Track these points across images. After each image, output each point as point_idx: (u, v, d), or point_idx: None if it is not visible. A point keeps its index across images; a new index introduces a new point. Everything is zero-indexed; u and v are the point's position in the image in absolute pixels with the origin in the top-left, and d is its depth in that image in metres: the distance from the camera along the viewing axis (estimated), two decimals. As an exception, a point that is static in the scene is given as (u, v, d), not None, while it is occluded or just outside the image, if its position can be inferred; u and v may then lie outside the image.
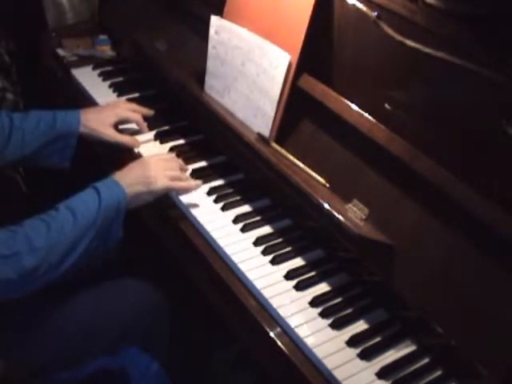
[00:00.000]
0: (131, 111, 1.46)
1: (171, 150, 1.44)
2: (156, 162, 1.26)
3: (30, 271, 1.02)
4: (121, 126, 1.47)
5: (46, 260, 1.04)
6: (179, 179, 1.27)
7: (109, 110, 1.42)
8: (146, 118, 1.49)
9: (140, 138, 1.46)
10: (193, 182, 1.30)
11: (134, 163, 1.27)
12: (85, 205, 1.12)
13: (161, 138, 1.47)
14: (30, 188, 1.64)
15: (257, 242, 1.20)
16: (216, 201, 1.29)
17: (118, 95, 1.63)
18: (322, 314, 1.07)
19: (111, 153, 1.45)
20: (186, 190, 1.28)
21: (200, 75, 1.45)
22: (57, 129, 1.33)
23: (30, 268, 1.02)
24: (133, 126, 1.48)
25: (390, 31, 1.09)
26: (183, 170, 1.33)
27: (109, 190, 1.15)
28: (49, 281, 1.07)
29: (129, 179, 1.20)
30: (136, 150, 1.43)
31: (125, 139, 1.42)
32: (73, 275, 1.12)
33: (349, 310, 1.09)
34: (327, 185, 1.17)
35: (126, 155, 1.41)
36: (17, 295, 1.05)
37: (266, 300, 1.09)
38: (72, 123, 1.36)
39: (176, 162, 1.32)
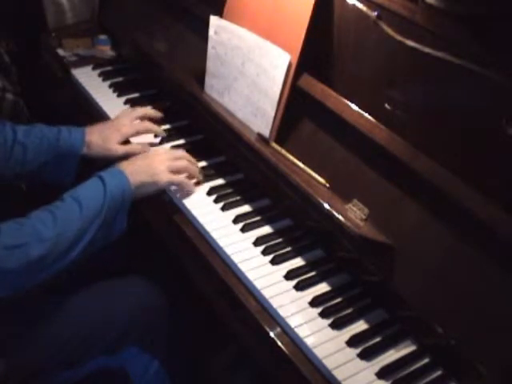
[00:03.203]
0: (138, 121, 1.41)
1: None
2: (161, 155, 1.27)
3: (38, 261, 1.02)
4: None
5: (53, 250, 1.04)
6: (183, 172, 1.28)
7: (114, 130, 1.37)
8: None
9: (139, 139, 1.44)
10: (193, 181, 1.30)
11: (139, 155, 1.29)
12: (90, 194, 1.12)
13: (161, 137, 1.47)
14: (29, 185, 1.64)
15: (257, 242, 1.20)
16: (216, 201, 1.29)
17: (118, 95, 1.62)
18: (322, 314, 1.07)
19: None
20: (188, 187, 1.28)
21: (200, 75, 1.45)
22: (59, 148, 1.31)
23: (38, 258, 1.02)
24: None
25: (390, 31, 1.09)
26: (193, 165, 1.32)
27: (113, 178, 1.16)
28: (54, 272, 1.07)
29: (133, 169, 1.21)
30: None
31: (131, 148, 1.37)
32: (74, 274, 1.12)
33: (349, 310, 1.09)
34: (327, 185, 1.17)
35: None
36: (22, 287, 1.05)
37: (266, 300, 1.09)
38: (75, 144, 1.33)
39: (182, 160, 1.31)
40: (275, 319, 1.07)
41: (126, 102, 1.60)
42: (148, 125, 1.42)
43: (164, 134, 1.45)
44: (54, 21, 1.92)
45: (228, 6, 1.37)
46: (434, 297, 0.99)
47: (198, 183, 1.32)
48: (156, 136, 1.46)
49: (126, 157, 1.30)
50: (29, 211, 1.08)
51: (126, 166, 1.21)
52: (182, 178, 1.28)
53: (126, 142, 1.40)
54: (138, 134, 1.40)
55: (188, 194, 1.29)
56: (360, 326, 1.08)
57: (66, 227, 1.06)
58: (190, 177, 1.31)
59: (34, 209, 1.08)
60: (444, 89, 1.04)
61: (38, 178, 1.35)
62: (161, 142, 1.46)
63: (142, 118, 1.44)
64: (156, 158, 1.26)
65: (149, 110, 1.46)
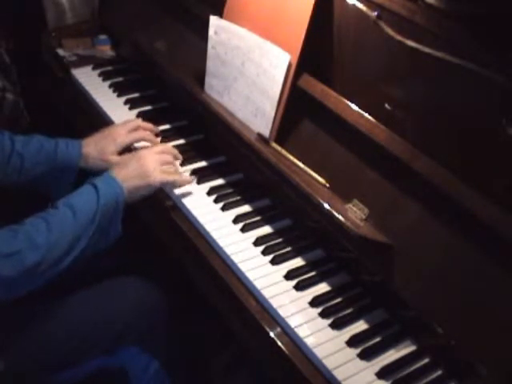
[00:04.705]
0: (134, 131, 1.40)
1: (171, 149, 1.43)
2: (151, 156, 1.27)
3: (31, 269, 1.02)
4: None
5: (46, 258, 1.04)
6: (174, 172, 1.30)
7: (110, 141, 1.36)
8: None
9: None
10: (187, 177, 1.32)
11: (129, 157, 1.28)
12: (83, 202, 1.12)
13: (161, 137, 1.47)
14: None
15: (257, 242, 1.20)
16: (216, 201, 1.29)
17: (118, 95, 1.62)
18: (322, 314, 1.07)
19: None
20: (181, 183, 1.30)
21: (200, 75, 1.45)
22: (57, 161, 1.31)
23: (32, 266, 1.02)
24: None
25: (390, 31, 1.09)
26: (177, 159, 1.34)
27: (106, 185, 1.16)
28: (49, 279, 1.07)
29: (125, 174, 1.20)
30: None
31: None
32: (73, 274, 1.12)
33: (349, 310, 1.09)
34: (327, 185, 1.17)
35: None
36: (17, 294, 1.05)
37: (266, 300, 1.09)
38: (72, 157, 1.33)
39: (169, 152, 1.33)
40: (275, 319, 1.07)
41: (125, 102, 1.60)
42: (143, 134, 1.41)
43: (158, 143, 1.44)
44: (54, 21, 1.93)
45: (228, 6, 1.37)
46: (434, 297, 0.99)
47: (198, 183, 1.33)
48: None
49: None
50: (29, 215, 1.08)
51: (119, 172, 1.21)
52: (174, 177, 1.28)
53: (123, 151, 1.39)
54: (133, 143, 1.40)
55: (186, 189, 1.30)
56: (360, 326, 1.08)
57: (59, 234, 1.06)
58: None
59: (35, 212, 1.09)
60: (444, 89, 1.04)
61: (37, 191, 1.35)
62: (161, 142, 1.45)
63: (137, 128, 1.43)
64: (147, 159, 1.25)
65: (144, 123, 1.45)
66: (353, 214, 1.11)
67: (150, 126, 1.45)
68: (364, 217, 1.10)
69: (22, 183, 1.31)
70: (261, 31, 1.28)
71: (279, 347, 1.04)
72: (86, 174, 1.31)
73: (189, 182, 1.32)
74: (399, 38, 1.07)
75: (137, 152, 1.33)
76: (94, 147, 1.35)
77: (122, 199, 1.17)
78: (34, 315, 1.18)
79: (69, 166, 1.33)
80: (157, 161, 1.26)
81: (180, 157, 1.36)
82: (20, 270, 1.01)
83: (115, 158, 1.34)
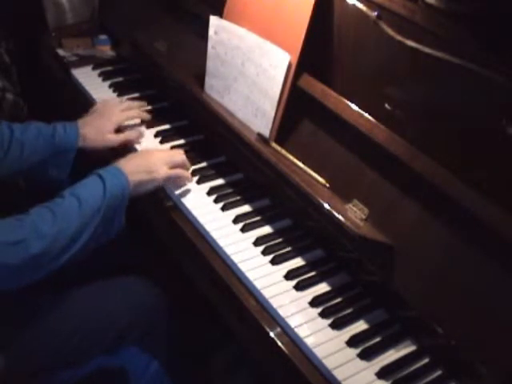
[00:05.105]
0: (127, 110, 1.46)
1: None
2: (157, 152, 1.30)
3: (37, 258, 1.03)
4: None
5: (52, 247, 1.04)
6: (179, 167, 1.31)
7: (106, 120, 1.40)
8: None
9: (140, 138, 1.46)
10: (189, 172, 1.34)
11: (136, 153, 1.30)
12: (90, 192, 1.13)
13: (161, 137, 1.47)
14: (29, 184, 1.64)
15: (257, 242, 1.20)
16: (216, 201, 1.29)
17: (118, 95, 1.62)
18: (322, 314, 1.07)
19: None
20: (186, 178, 1.31)
21: (200, 75, 1.45)
22: (55, 145, 1.32)
23: (37, 255, 1.02)
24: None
25: (390, 31, 1.09)
26: (186, 166, 1.34)
27: (113, 177, 1.16)
28: (53, 269, 1.07)
29: (131, 167, 1.21)
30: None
31: (127, 135, 1.42)
32: (74, 272, 1.12)
33: (349, 310, 1.09)
34: (327, 185, 1.17)
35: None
36: (21, 283, 1.05)
37: (266, 300, 1.09)
38: (70, 139, 1.34)
39: (179, 154, 1.34)
40: (275, 319, 1.07)
41: (126, 102, 1.60)
42: (137, 112, 1.48)
43: (149, 118, 1.50)
44: (54, 21, 1.93)
45: (228, 6, 1.37)
46: (434, 297, 0.99)
47: (198, 183, 1.33)
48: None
49: (123, 153, 1.31)
50: (28, 209, 1.08)
51: (125, 165, 1.21)
52: (178, 170, 1.29)
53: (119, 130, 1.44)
54: (127, 120, 1.45)
55: (186, 189, 1.30)
56: (360, 325, 1.08)
57: (65, 224, 1.07)
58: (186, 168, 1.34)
59: (34, 206, 1.09)
60: (444, 89, 1.04)
61: (37, 177, 1.36)
62: (161, 142, 1.46)
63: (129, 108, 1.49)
64: (154, 156, 1.27)
65: (133, 102, 1.52)
66: (353, 214, 1.11)
67: (138, 103, 1.52)
68: (364, 217, 1.10)
69: (24, 172, 1.33)
70: (261, 31, 1.28)
71: (279, 347, 1.04)
72: (87, 163, 1.32)
73: (190, 177, 1.33)
74: (399, 38, 1.07)
75: (143, 149, 1.36)
76: (91, 127, 1.38)
77: (127, 192, 1.17)
78: (35, 313, 1.18)
79: (68, 148, 1.34)
80: (163, 158, 1.27)
81: (189, 165, 1.35)
82: (25, 258, 1.01)
83: (113, 137, 1.38)
